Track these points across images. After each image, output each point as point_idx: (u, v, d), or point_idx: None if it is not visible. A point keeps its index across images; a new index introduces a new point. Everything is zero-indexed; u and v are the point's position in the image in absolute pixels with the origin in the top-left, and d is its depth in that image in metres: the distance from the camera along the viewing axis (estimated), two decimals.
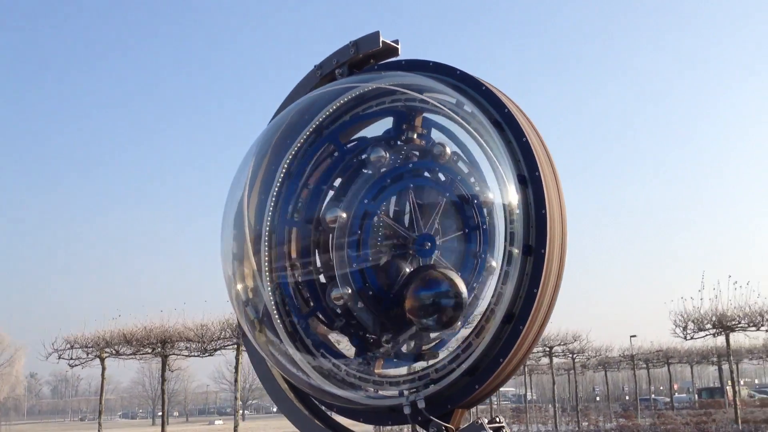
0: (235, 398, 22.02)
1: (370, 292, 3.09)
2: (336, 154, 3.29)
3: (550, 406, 58.40)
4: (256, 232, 3.23)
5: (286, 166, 3.29)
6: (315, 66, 3.53)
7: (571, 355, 36.85)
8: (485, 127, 2.98)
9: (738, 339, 31.92)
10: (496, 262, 3.05)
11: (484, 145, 3.02)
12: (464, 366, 2.88)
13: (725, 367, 52.10)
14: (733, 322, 26.42)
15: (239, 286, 3.31)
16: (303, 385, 3.27)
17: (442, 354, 3.09)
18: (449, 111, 3.13)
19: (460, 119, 3.11)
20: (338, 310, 3.12)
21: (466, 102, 3.05)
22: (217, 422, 78.86)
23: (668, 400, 57.15)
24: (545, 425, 37.79)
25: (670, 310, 28.39)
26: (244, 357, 22.94)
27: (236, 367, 22.55)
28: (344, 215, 3.06)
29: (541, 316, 2.84)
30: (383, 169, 3.14)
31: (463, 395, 2.94)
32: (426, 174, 3.23)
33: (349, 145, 3.32)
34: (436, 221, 3.12)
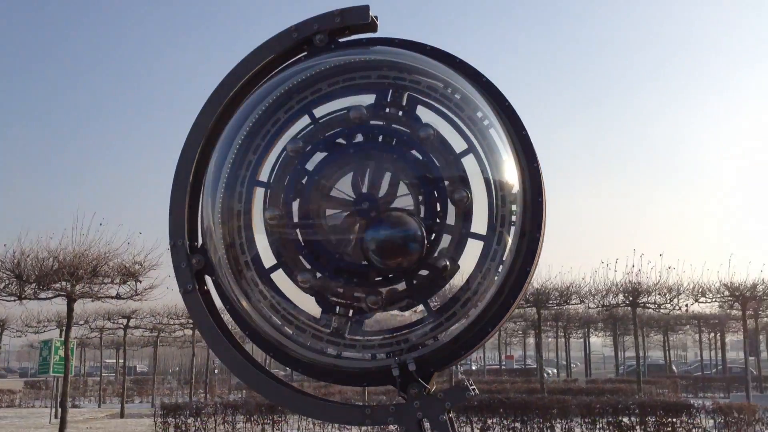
0: None
1: (333, 265, 3.19)
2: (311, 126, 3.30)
3: (171, 378, 58.42)
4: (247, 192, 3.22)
5: (250, 126, 3.24)
6: (291, 27, 3.41)
7: None
8: (478, 116, 3.13)
9: None
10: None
11: (477, 133, 3.13)
12: (452, 333, 3.12)
13: None
14: None
15: (223, 232, 3.22)
16: (272, 342, 3.26)
17: (424, 321, 3.23)
18: (440, 96, 3.18)
19: (453, 105, 3.16)
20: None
21: (463, 90, 3.16)
22: None
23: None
24: (169, 397, 37.62)
25: None
26: None
27: None
28: (278, 212, 3.19)
29: (525, 290, 3.21)
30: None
31: (447, 360, 3.19)
32: (396, 147, 3.24)
33: (322, 120, 3.29)
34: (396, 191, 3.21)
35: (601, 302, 27.39)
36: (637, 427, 17.13)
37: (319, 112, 3.31)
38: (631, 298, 26.49)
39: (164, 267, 19.90)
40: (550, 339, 57.95)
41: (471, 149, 3.19)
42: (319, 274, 3.19)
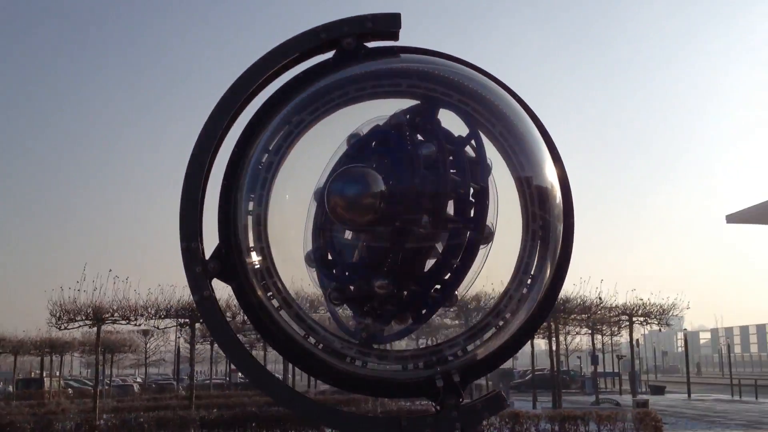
0: None
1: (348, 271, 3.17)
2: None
3: None
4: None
5: (274, 126, 3.14)
6: (319, 26, 3.24)
7: None
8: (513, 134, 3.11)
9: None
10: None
11: (508, 149, 3.08)
12: (488, 344, 3.09)
13: (47, 359, 53.44)
14: (107, 315, 27.23)
15: (244, 236, 3.11)
16: (299, 352, 3.15)
17: (458, 331, 3.18)
18: (471, 110, 3.13)
19: (484, 120, 3.12)
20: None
21: (496, 106, 3.13)
22: None
23: None
24: None
25: (49, 299, 28.03)
26: None
27: None
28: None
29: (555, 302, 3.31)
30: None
31: (484, 369, 3.21)
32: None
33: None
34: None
35: None
36: None
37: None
38: None
39: None
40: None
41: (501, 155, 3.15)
42: (340, 285, 3.12)
